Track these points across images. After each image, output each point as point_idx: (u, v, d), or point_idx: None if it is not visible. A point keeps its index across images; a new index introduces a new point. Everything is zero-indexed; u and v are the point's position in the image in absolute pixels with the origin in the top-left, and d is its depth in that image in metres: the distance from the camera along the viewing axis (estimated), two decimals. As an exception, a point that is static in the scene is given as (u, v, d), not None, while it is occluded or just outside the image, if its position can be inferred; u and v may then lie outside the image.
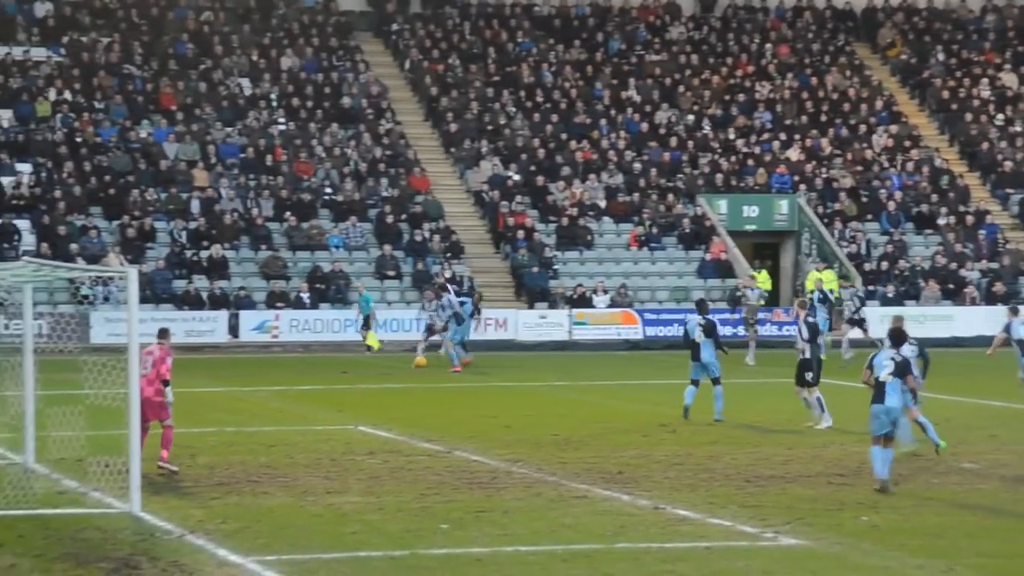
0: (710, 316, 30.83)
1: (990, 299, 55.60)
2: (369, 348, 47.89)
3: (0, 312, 37.87)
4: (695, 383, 30.27)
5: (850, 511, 21.39)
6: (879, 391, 22.69)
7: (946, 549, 18.89)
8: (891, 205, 59.17)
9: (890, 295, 55.58)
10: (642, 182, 58.86)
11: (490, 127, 60.25)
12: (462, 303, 43.49)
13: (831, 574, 17.61)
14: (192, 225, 54.15)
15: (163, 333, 23.69)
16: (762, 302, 44.02)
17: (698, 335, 29.86)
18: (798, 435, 28.90)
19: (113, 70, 59.79)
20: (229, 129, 58.20)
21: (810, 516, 20.91)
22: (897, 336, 23.36)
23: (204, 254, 53.16)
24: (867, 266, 56.63)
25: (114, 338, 42.46)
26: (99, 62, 60.05)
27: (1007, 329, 33.71)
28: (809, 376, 29.46)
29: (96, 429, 23.67)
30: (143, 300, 46.06)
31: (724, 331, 53.20)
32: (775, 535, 19.65)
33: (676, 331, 53.06)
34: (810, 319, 30.00)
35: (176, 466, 23.43)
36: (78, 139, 56.49)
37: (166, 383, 23.60)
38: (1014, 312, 34.02)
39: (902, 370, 22.76)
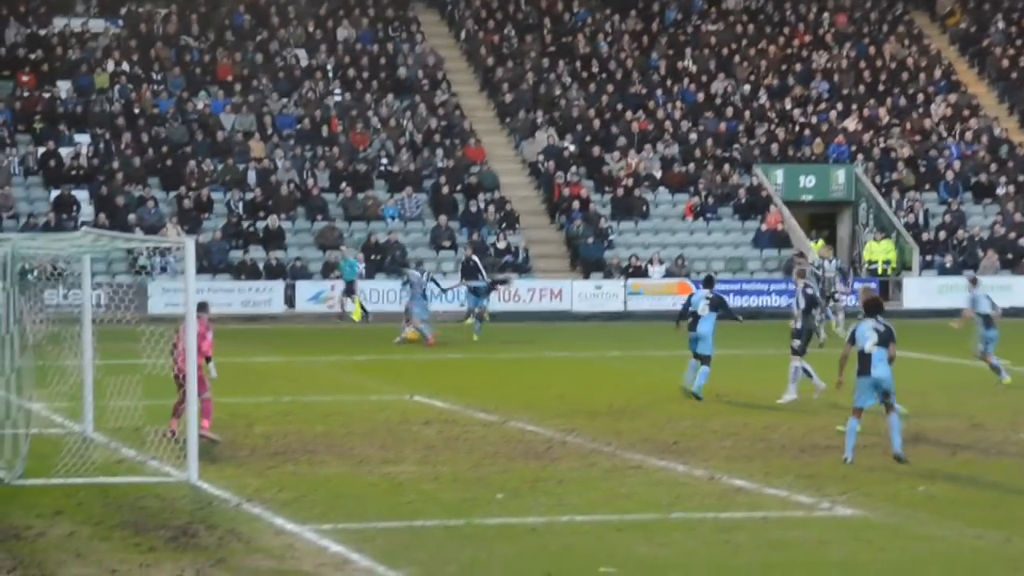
0: (717, 291, 30.36)
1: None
2: (348, 316, 47.98)
3: (59, 282, 38.12)
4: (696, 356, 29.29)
5: (907, 481, 21.32)
6: (864, 362, 22.38)
7: (1003, 520, 18.81)
8: (949, 175, 58.78)
9: (948, 265, 55.26)
10: (698, 152, 58.67)
11: (545, 98, 60.16)
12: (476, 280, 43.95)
13: (887, 544, 17.56)
14: (248, 196, 54.34)
15: (202, 307, 23.69)
16: (839, 275, 43.56)
17: (702, 307, 29.22)
18: (854, 406, 28.74)
19: (170, 41, 60.01)
20: (285, 100, 58.33)
21: (866, 486, 20.85)
22: (872, 306, 23.08)
23: (260, 225, 53.35)
24: (925, 236, 56.31)
25: (171, 308, 42.68)
26: (157, 33, 60.28)
27: (971, 302, 33.01)
28: (796, 344, 29.07)
29: (154, 398, 23.84)
30: (200, 270, 46.31)
31: (778, 302, 53.39)
32: (831, 505, 19.60)
33: (732, 301, 53.00)
34: (808, 290, 29.77)
35: (218, 436, 23.48)
36: (136, 110, 56.75)
37: (208, 359, 23.65)
38: (974, 283, 33.67)
39: (886, 339, 22.47)
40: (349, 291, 48.62)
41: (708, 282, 30.45)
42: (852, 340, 22.72)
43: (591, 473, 21.74)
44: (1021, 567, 16.65)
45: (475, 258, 47.39)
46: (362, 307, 48.84)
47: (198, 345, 22.23)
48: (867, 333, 22.50)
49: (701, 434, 25.31)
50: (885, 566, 16.64)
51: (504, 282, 46.41)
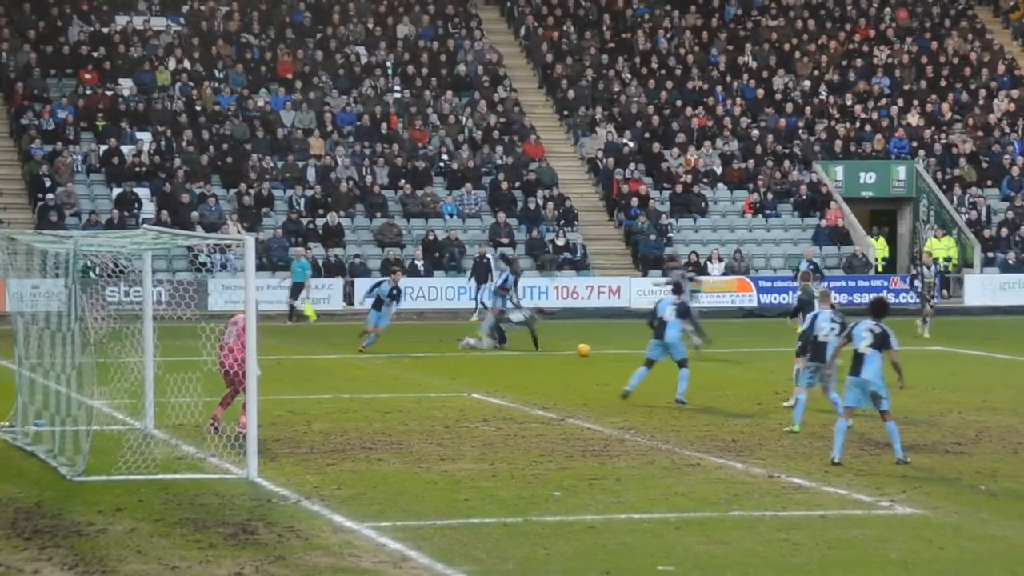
0: (685, 298, 29.92)
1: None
2: (304, 318, 47.72)
3: (120, 279, 38.36)
4: (649, 364, 28.44)
5: (967, 480, 21.20)
6: (857, 362, 22.11)
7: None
8: (1013, 171, 58.37)
9: (1010, 262, 54.88)
10: (758, 149, 58.48)
11: (604, 94, 60.12)
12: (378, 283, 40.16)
13: (948, 543, 17.46)
14: (308, 193, 54.55)
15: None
16: (936, 279, 43.77)
17: (668, 313, 28.81)
18: (914, 404, 28.64)
19: (231, 39, 60.31)
20: (345, 97, 58.52)
21: (926, 485, 20.74)
22: (877, 307, 22.77)
23: (320, 222, 53.54)
24: (986, 233, 55.94)
25: (231, 305, 42.89)
26: (218, 31, 60.60)
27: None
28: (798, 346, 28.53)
29: (214, 395, 23.96)
30: (259, 268, 46.55)
31: (839, 299, 53.12)
32: (891, 504, 19.51)
33: (791, 299, 52.84)
34: (803, 295, 29.50)
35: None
36: (197, 108, 57.07)
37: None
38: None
39: (880, 342, 22.15)
40: (295, 293, 47.93)
41: (676, 288, 30.22)
42: (849, 337, 22.58)
43: (649, 471, 21.71)
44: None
45: (489, 256, 47.40)
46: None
47: (241, 339, 22.31)
48: (863, 334, 22.28)
49: (760, 432, 25.24)
50: (945, 565, 16.55)
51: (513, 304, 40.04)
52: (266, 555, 16.57)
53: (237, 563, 16.21)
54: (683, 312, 28.86)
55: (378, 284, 39.63)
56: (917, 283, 44.00)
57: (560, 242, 53.47)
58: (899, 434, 22.36)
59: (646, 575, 16.09)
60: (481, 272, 49.19)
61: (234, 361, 23.52)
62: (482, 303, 43.88)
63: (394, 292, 38.22)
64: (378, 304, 38.32)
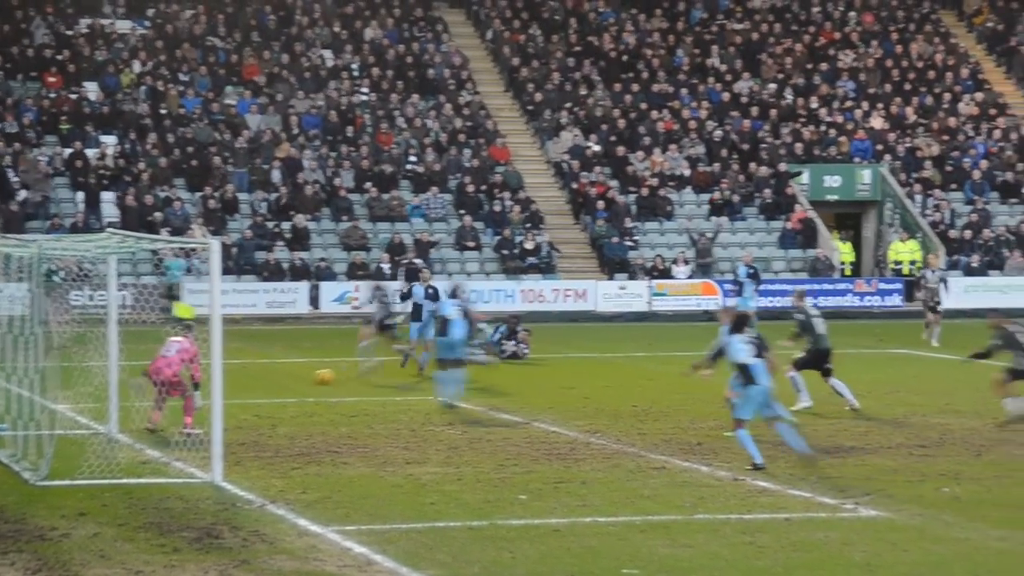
0: (466, 301, 29.44)
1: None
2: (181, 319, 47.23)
3: (85, 283, 38.25)
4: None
5: (931, 482, 21.28)
6: (747, 374, 22.03)
7: (1028, 521, 18.79)
8: (976, 174, 58.62)
9: (975, 265, 55.11)
10: (723, 152, 58.61)
11: (570, 97, 60.17)
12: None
13: (911, 545, 17.53)
14: (274, 196, 54.45)
15: (188, 328, 23.66)
16: (942, 284, 41.60)
17: (452, 311, 28.55)
18: (878, 406, 28.74)
19: (197, 42, 60.17)
20: (311, 100, 58.43)
21: (890, 487, 20.81)
22: (738, 322, 22.61)
23: (286, 225, 53.45)
24: (951, 235, 56.16)
25: (197, 310, 42.76)
26: (183, 34, 60.45)
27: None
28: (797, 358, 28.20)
29: (179, 399, 23.89)
30: (225, 271, 46.40)
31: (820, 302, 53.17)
32: (855, 506, 19.57)
33: (757, 301, 52.92)
34: (800, 316, 28.47)
35: (200, 430, 23.21)
36: (162, 110, 56.90)
37: (196, 386, 23.73)
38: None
39: (760, 349, 22.08)
40: (171, 294, 47.46)
41: (455, 292, 29.46)
42: (717, 356, 22.44)
43: (615, 474, 21.74)
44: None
45: (419, 261, 47.17)
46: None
47: (181, 356, 22.34)
48: (740, 347, 22.24)
49: (725, 435, 25.27)
50: (909, 567, 16.61)
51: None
52: (230, 559, 16.53)
53: (201, 567, 16.18)
54: (464, 313, 28.57)
55: (409, 290, 35.18)
56: (920, 292, 41.29)
57: (529, 245, 53.48)
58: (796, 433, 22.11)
59: (612, 578, 16.13)
60: (413, 278, 49.44)
61: (171, 373, 23.51)
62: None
63: (431, 292, 33.99)
64: (417, 313, 33.83)
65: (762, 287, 52.91)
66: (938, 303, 40.70)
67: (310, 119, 57.71)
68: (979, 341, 37.06)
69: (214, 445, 20.75)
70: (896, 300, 53.88)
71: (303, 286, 51.32)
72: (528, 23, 63.43)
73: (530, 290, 51.80)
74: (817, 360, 27.74)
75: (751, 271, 44.44)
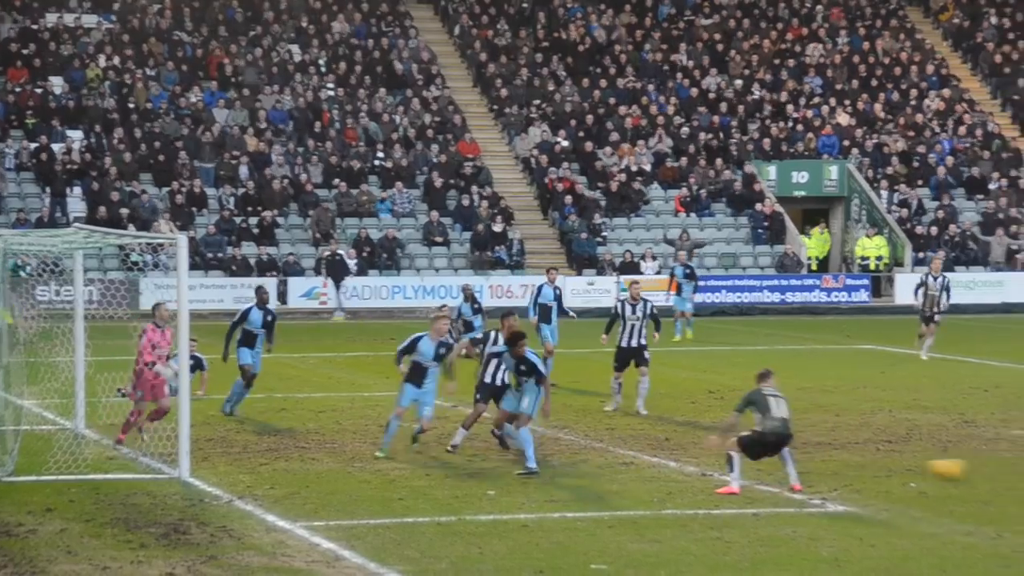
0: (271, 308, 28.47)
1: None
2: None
3: (51, 278, 38.10)
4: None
5: (898, 478, 21.34)
6: (499, 392, 22.07)
7: (995, 516, 18.83)
8: (942, 170, 58.81)
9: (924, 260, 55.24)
10: (691, 148, 58.67)
11: (538, 93, 60.16)
12: None
13: (879, 540, 17.57)
14: (241, 191, 54.31)
15: (154, 309, 23.38)
16: (944, 292, 37.82)
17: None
18: (846, 402, 28.82)
19: (163, 36, 59.96)
20: (278, 95, 58.30)
21: (857, 482, 20.87)
22: (513, 340, 22.07)
23: (253, 220, 53.32)
24: (918, 231, 56.33)
25: (165, 304, 42.54)
26: (149, 28, 60.23)
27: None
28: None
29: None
30: (192, 266, 46.29)
31: (771, 298, 53.43)
32: (822, 501, 19.62)
33: (725, 297, 53.09)
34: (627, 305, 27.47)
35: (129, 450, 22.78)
36: (129, 105, 56.70)
37: (149, 364, 23.17)
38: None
39: (530, 372, 21.78)
40: None
41: (258, 294, 27.36)
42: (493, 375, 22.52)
43: (583, 469, 21.75)
44: (1012, 563, 16.67)
45: (341, 253, 47.00)
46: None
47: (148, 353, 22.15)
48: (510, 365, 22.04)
49: (693, 431, 25.32)
50: (876, 562, 16.65)
51: None
52: (198, 555, 16.49)
53: (169, 563, 16.13)
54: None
55: (538, 292, 32.42)
56: (919, 297, 37.72)
57: (497, 228, 53.43)
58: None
59: (579, 573, 16.12)
60: (336, 271, 49.56)
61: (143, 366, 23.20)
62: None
63: (558, 293, 32.26)
64: (546, 314, 31.71)
65: (728, 283, 53.12)
66: (937, 312, 37.44)
67: (277, 114, 57.59)
68: (942, 336, 37.32)
69: (181, 441, 20.70)
70: (863, 296, 54.02)
71: (270, 281, 51.16)
72: (496, 18, 63.40)
73: (499, 285, 51.76)
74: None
75: (687, 271, 43.81)
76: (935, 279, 38.11)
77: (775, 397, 19.93)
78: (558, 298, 32.19)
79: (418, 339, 22.76)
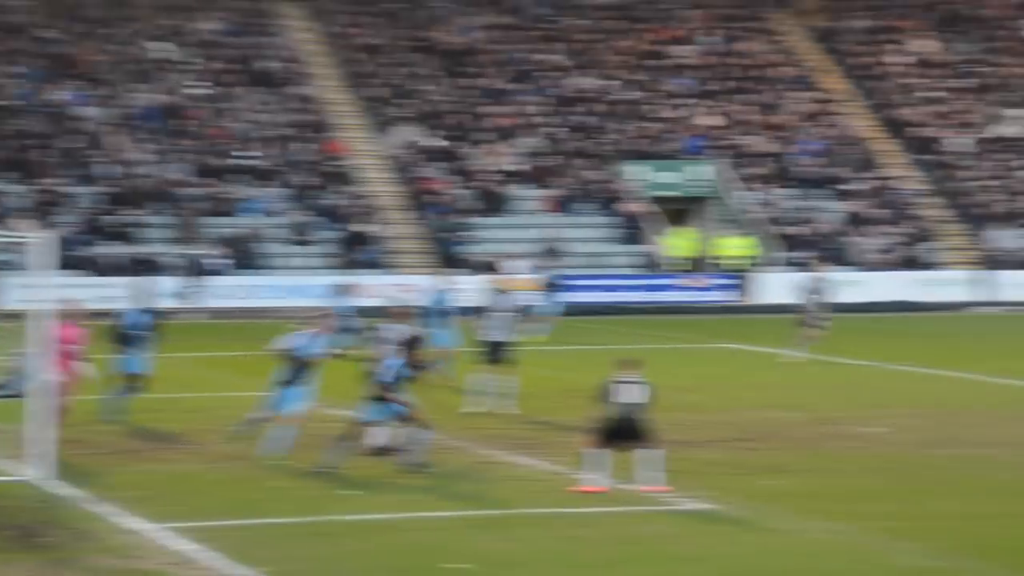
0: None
1: (903, 264, 56.08)
2: None
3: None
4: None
5: (757, 475, 21.55)
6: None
7: (854, 512, 19.05)
8: (805, 171, 59.49)
9: (805, 260, 55.87)
10: (561, 147, 58.86)
11: (408, 91, 60.07)
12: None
13: (738, 538, 17.73)
14: (106, 189, 53.70)
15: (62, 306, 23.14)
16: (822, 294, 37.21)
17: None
18: (707, 400, 29.05)
19: (28, 32, 59.13)
20: (145, 92, 57.71)
21: (718, 480, 21.04)
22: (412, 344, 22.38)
23: (118, 219, 52.73)
24: (781, 231, 56.93)
25: (26, 304, 41.95)
26: (13, 24, 59.37)
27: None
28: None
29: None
30: (56, 265, 45.59)
31: (638, 297, 53.76)
32: (684, 499, 19.74)
33: (594, 297, 53.32)
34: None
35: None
36: (-8, 102, 55.94)
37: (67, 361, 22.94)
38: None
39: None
40: None
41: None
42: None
43: (445, 469, 21.73)
44: (869, 559, 16.88)
45: (206, 252, 46.76)
46: None
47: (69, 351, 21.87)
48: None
49: (553, 430, 25.40)
50: (734, 559, 16.78)
51: None
52: (53, 558, 16.28)
53: (22, 567, 15.90)
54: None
55: (430, 295, 31.91)
56: (811, 297, 36.84)
57: (362, 231, 53.30)
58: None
59: (438, 573, 16.11)
60: (201, 270, 49.33)
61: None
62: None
63: (446, 296, 31.45)
64: (434, 318, 30.62)
65: (595, 283, 53.35)
66: (823, 317, 36.70)
67: (143, 111, 57.01)
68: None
69: (41, 442, 20.42)
70: (728, 295, 54.50)
71: (137, 281, 50.57)
72: (366, 16, 63.22)
73: (367, 285, 51.51)
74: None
75: (550, 274, 43.94)
76: (817, 280, 37.84)
77: (627, 384, 20.05)
78: (445, 300, 31.90)
79: (301, 336, 22.62)
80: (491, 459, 22.59)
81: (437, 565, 16.23)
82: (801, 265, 55.17)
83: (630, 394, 19.95)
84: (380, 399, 21.67)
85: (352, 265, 52.72)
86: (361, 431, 21.78)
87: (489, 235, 55.59)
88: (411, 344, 23.43)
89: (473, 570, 16.10)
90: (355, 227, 53.92)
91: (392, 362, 21.90)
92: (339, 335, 30.71)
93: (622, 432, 19.91)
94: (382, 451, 22.43)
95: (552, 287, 44.68)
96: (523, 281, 52.18)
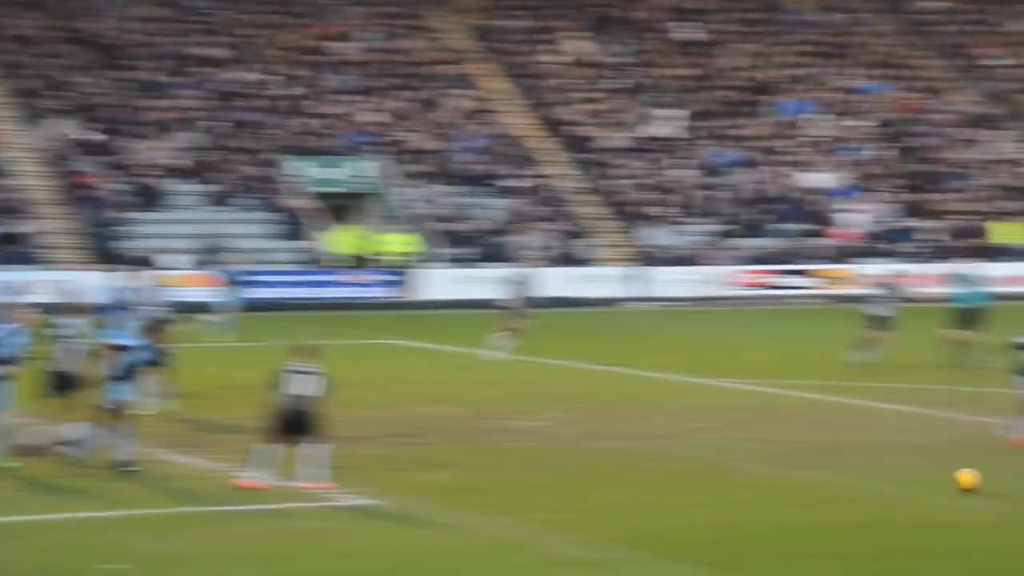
0: None
1: (560, 261, 57.15)
2: None
3: None
4: None
5: (420, 471, 21.74)
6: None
7: (512, 505, 19.38)
8: (466, 168, 60.15)
9: (465, 256, 56.50)
10: (222, 142, 58.29)
11: (63, 84, 58.69)
12: None
13: (397, 532, 17.87)
14: None
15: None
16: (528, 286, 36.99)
17: None
18: (369, 396, 29.14)
19: None
20: None
21: (380, 476, 21.16)
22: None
23: None
24: (442, 228, 57.44)
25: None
26: None
27: None
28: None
29: None
30: None
31: (300, 293, 53.59)
32: (348, 495, 19.79)
33: (256, 293, 52.94)
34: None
35: None
36: None
37: None
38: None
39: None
40: None
41: None
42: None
43: (104, 469, 21.33)
44: (527, 551, 17.13)
45: None
46: None
47: None
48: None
49: (215, 428, 25.20)
50: (391, 554, 16.90)
51: None
52: None
53: None
54: None
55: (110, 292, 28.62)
56: (516, 292, 36.76)
57: (16, 236, 51.92)
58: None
59: (91, 574, 15.82)
60: None
61: None
62: None
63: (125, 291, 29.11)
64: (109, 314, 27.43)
65: (257, 278, 53.00)
66: (520, 307, 36.57)
67: None
68: (464, 331, 38.16)
69: None
70: (390, 291, 54.75)
71: None
72: (17, 6, 61.53)
73: (16, 282, 50.23)
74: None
75: (224, 271, 43.60)
76: (521, 275, 38.12)
77: (300, 374, 20.02)
78: (124, 297, 30.65)
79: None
80: (153, 458, 22.25)
81: (91, 566, 15.95)
82: (469, 262, 55.83)
83: (302, 385, 19.91)
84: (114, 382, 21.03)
85: (5, 261, 51.29)
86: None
87: (147, 230, 54.70)
88: (152, 329, 23.12)
89: (130, 570, 15.88)
90: (8, 222, 52.42)
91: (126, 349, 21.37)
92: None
93: (291, 424, 19.86)
94: (36, 450, 21.96)
95: (232, 283, 44.24)
96: (184, 277, 51.64)
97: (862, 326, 34.52)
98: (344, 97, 61.94)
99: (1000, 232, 60.23)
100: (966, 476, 20.21)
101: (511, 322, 36.55)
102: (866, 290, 37.28)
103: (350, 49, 64.36)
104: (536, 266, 55.28)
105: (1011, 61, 70.02)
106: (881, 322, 34.30)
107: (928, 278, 52.38)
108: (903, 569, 16.17)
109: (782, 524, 18.37)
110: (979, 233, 60.26)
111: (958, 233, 60.16)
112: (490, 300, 51.77)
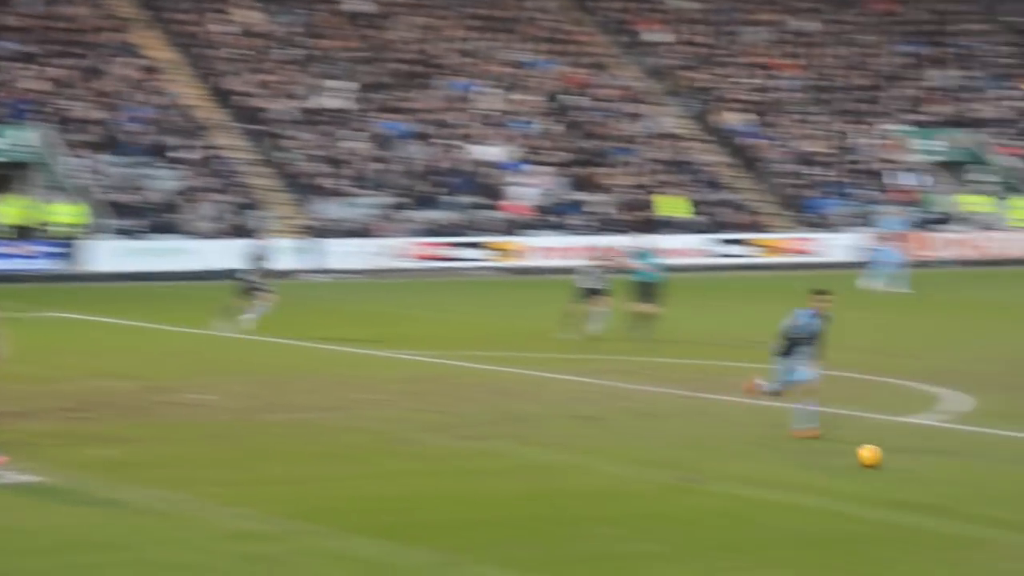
0: None
1: (232, 233, 56.59)
2: None
3: None
4: None
5: (89, 446, 21.24)
6: None
7: (184, 480, 19.05)
8: (134, 138, 59.03)
9: (134, 228, 55.51)
10: None
11: None
12: None
13: (59, 509, 17.38)
14: None
15: None
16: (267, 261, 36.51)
17: None
18: (36, 370, 28.38)
19: None
20: None
21: (47, 452, 20.60)
22: None
23: None
24: (110, 198, 56.29)
25: None
26: None
27: None
28: None
29: None
30: None
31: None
32: (10, 472, 19.19)
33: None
34: None
35: None
36: None
37: None
38: None
39: None
40: None
41: None
42: None
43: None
44: (200, 525, 16.82)
45: None
46: None
47: None
48: None
49: None
50: (58, 530, 16.40)
51: None
52: None
53: None
54: None
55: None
56: (256, 264, 36.20)
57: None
58: None
59: None
60: None
61: None
62: None
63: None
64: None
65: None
66: (267, 286, 36.11)
67: None
68: (135, 304, 37.51)
69: None
70: (56, 263, 53.43)
71: None
72: None
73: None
74: None
75: None
76: (259, 247, 37.19)
77: None
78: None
79: None
80: None
81: None
82: (138, 234, 54.71)
83: None
84: None
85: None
86: None
87: None
88: None
89: None
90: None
91: None
92: None
93: None
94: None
95: None
96: None
97: (573, 300, 34.91)
98: (3, 63, 60.09)
99: (665, 205, 61.82)
100: (868, 452, 19.69)
101: (249, 297, 35.97)
102: (578, 262, 37.63)
103: (9, 13, 62.44)
104: (208, 237, 54.69)
105: (672, 38, 71.93)
106: (593, 295, 34.66)
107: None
108: (571, 534, 16.43)
109: (456, 494, 18.48)
110: (645, 206, 61.76)
111: (625, 206, 61.55)
112: (159, 272, 51.20)
